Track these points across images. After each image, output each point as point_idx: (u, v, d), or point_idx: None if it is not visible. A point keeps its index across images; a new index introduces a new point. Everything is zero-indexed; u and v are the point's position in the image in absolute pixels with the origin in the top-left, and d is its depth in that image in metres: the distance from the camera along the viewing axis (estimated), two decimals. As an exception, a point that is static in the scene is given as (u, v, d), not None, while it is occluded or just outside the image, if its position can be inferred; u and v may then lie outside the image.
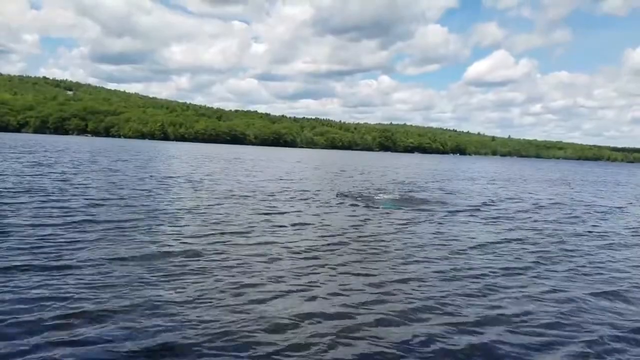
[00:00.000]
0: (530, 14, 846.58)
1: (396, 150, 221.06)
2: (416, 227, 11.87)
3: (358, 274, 7.27)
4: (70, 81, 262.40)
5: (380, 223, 12.18)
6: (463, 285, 6.98)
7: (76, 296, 5.70)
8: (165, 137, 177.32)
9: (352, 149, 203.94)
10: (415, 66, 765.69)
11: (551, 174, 58.03)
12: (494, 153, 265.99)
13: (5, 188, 14.48)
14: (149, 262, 7.26)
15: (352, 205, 15.36)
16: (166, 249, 8.16)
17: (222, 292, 6.15)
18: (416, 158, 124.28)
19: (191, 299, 5.82)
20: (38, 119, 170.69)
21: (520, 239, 11.11)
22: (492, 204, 18.64)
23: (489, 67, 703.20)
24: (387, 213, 13.93)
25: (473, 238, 11.01)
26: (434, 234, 11.10)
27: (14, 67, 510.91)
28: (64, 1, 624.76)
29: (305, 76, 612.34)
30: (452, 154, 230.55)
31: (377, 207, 14.56)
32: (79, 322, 5.01)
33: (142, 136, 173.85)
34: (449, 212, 14.85)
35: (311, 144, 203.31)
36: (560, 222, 14.45)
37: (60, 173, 20.95)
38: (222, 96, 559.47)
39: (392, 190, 20.98)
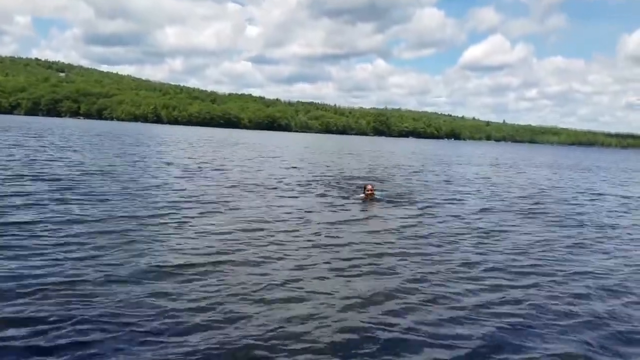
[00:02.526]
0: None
1: (390, 135, 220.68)
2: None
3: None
4: (63, 63, 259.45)
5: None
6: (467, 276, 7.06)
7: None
8: (159, 120, 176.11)
9: (347, 134, 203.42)
10: (411, 50, 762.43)
11: (564, 160, 58.28)
12: (489, 138, 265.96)
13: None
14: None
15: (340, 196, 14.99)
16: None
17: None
18: (411, 143, 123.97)
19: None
20: (30, 100, 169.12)
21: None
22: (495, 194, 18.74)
23: (485, 51, 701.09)
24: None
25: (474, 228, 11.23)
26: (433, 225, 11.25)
27: (5, 49, 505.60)
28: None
29: (300, 59, 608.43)
30: (446, 139, 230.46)
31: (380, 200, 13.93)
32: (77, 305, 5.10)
33: (135, 119, 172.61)
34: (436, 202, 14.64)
35: (305, 128, 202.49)
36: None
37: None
38: (216, 79, 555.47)
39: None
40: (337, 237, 8.97)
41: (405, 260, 7.59)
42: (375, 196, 13.76)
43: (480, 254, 8.34)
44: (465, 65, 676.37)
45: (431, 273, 6.94)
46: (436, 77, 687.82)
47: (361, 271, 6.91)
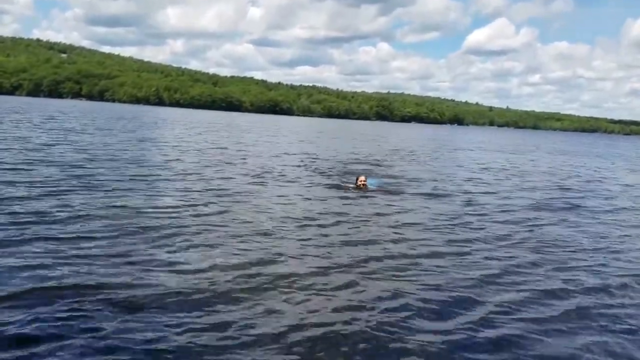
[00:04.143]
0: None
1: (393, 120, 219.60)
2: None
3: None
4: (64, 44, 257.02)
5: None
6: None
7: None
8: (160, 102, 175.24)
9: (349, 118, 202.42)
10: (414, 34, 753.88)
11: (579, 147, 58.14)
12: (492, 123, 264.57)
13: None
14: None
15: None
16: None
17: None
18: (417, 128, 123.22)
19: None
20: (32, 81, 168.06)
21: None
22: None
23: (489, 35, 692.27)
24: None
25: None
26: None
27: (6, 29, 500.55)
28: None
29: (302, 42, 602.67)
30: (449, 124, 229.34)
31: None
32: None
33: (137, 101, 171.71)
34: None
35: (307, 112, 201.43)
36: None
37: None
38: (217, 61, 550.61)
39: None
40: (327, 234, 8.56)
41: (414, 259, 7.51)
42: (369, 187, 13.31)
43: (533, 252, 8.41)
44: (469, 49, 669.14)
45: (466, 278, 6.68)
46: (440, 61, 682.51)
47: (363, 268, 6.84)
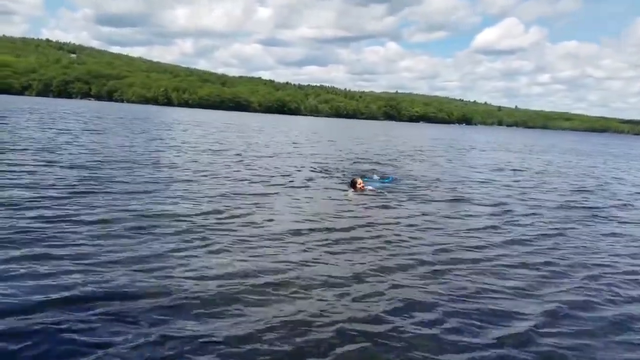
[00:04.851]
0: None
1: (401, 120, 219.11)
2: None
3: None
4: (74, 44, 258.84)
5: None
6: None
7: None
8: (169, 103, 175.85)
9: (357, 118, 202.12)
10: (422, 33, 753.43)
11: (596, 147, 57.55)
12: (500, 123, 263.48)
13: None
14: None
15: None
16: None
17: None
18: (428, 128, 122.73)
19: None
20: (41, 82, 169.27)
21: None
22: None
23: (498, 34, 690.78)
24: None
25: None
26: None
27: (16, 29, 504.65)
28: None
29: (310, 42, 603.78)
30: (457, 124, 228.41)
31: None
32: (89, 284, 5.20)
33: (146, 101, 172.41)
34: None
35: (315, 112, 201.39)
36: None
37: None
38: (225, 61, 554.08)
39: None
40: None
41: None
42: (369, 188, 12.79)
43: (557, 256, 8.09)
44: (478, 48, 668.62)
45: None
46: (447, 60, 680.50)
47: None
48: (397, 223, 9.48)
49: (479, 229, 9.42)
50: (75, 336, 4.28)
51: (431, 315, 5.21)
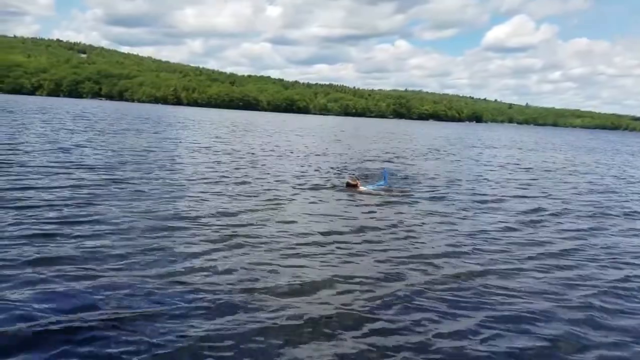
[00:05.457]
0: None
1: (410, 118, 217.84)
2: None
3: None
4: (84, 44, 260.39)
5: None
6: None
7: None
8: (179, 102, 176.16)
9: (366, 116, 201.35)
10: (432, 31, 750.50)
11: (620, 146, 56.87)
12: (511, 121, 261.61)
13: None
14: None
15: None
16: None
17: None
18: (434, 126, 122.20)
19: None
20: (52, 81, 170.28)
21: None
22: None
23: (508, 32, 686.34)
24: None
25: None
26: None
27: (27, 29, 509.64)
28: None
29: (319, 40, 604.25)
30: (467, 122, 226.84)
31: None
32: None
33: (155, 100, 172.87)
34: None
35: (324, 111, 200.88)
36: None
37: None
38: (234, 60, 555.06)
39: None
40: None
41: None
42: (364, 189, 12.72)
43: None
44: (488, 46, 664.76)
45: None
46: (457, 58, 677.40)
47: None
48: (421, 224, 9.29)
49: (502, 229, 9.15)
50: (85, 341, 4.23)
51: (460, 323, 5.00)
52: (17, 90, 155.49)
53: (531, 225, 9.78)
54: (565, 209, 11.92)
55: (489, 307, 5.49)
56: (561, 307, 5.59)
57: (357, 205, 11.03)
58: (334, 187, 13.20)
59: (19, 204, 8.59)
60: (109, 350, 4.12)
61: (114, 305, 4.88)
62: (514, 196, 13.43)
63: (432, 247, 7.77)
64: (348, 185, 12.87)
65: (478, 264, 7.02)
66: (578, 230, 9.67)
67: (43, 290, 5.10)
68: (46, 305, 4.78)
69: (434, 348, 4.52)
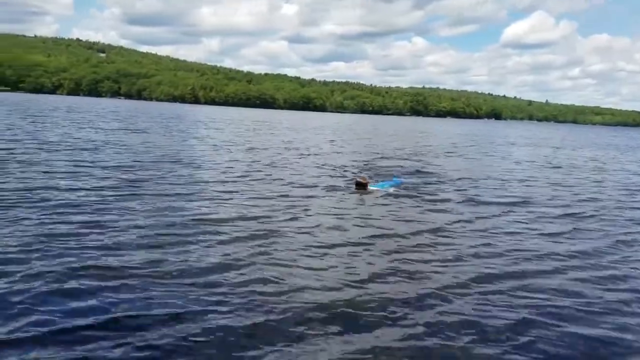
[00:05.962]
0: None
1: (428, 115, 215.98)
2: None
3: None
4: (103, 43, 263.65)
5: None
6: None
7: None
8: (196, 101, 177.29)
9: (383, 114, 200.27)
10: (450, 27, 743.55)
11: None
12: (530, 118, 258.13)
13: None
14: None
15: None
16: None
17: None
18: (453, 124, 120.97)
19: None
20: (72, 81, 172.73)
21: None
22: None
23: (527, 28, 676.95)
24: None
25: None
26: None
27: (48, 29, 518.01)
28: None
29: (336, 38, 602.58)
30: (486, 119, 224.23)
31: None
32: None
33: (174, 99, 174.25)
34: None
35: (341, 108, 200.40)
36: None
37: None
38: (251, 59, 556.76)
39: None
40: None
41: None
42: (373, 188, 12.55)
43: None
44: (507, 42, 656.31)
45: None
46: (476, 55, 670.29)
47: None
48: (450, 224, 9.10)
49: (536, 234, 8.75)
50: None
51: (488, 326, 4.83)
52: (38, 90, 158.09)
53: (564, 225, 9.45)
54: (602, 206, 11.62)
55: (515, 309, 5.30)
56: (595, 311, 5.37)
57: (373, 205, 10.90)
58: (350, 187, 13.01)
59: (43, 204, 8.63)
60: (111, 350, 4.06)
61: (125, 307, 4.87)
62: (544, 196, 13.05)
63: (456, 248, 7.57)
64: (357, 184, 12.64)
65: (509, 264, 6.89)
66: (612, 231, 9.30)
67: (59, 290, 5.15)
68: (54, 307, 4.77)
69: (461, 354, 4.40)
